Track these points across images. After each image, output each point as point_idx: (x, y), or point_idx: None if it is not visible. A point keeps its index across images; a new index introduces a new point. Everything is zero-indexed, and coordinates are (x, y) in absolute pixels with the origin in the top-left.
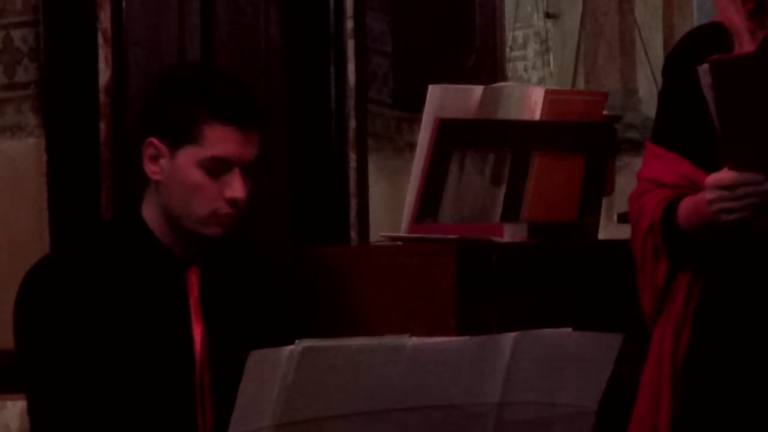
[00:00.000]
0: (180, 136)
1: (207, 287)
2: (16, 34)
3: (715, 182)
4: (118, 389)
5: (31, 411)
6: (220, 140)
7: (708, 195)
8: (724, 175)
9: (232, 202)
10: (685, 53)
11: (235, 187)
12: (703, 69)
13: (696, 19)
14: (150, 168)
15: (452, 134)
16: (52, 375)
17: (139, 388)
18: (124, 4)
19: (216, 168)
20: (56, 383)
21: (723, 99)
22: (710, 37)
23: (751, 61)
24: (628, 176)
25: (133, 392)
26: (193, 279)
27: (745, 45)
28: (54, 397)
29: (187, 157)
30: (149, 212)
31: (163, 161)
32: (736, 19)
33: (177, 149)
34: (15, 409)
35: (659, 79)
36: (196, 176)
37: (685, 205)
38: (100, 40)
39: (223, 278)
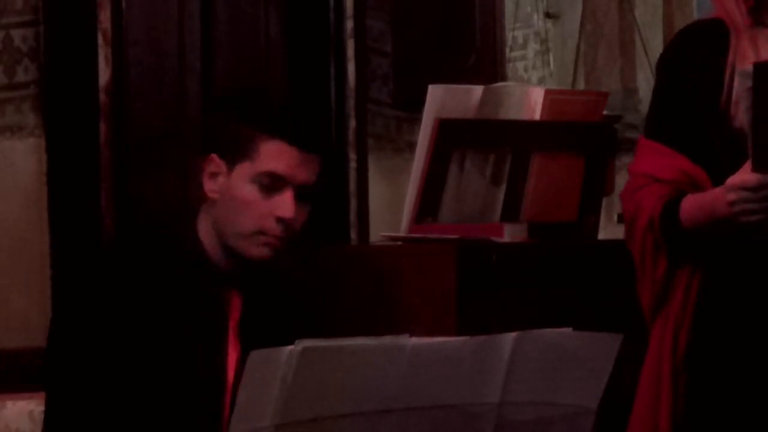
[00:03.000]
0: (237, 152)
1: (248, 312)
2: (16, 34)
3: (740, 183)
4: (144, 405)
5: (49, 416)
6: (273, 155)
7: (730, 196)
8: (749, 176)
9: (281, 221)
10: (682, 49)
11: (286, 207)
12: (745, 72)
13: (696, 18)
14: (208, 186)
15: (452, 134)
16: (77, 383)
17: (169, 408)
18: (123, 4)
19: (269, 184)
20: (80, 392)
21: (761, 102)
22: (707, 33)
23: None
24: (627, 176)
25: (164, 413)
26: (235, 302)
27: (742, 41)
28: (75, 406)
29: (242, 172)
30: (204, 229)
31: (221, 178)
32: (735, 14)
33: (234, 165)
34: (15, 409)
35: None
36: (249, 191)
37: (691, 203)
38: (100, 40)
39: (264, 304)
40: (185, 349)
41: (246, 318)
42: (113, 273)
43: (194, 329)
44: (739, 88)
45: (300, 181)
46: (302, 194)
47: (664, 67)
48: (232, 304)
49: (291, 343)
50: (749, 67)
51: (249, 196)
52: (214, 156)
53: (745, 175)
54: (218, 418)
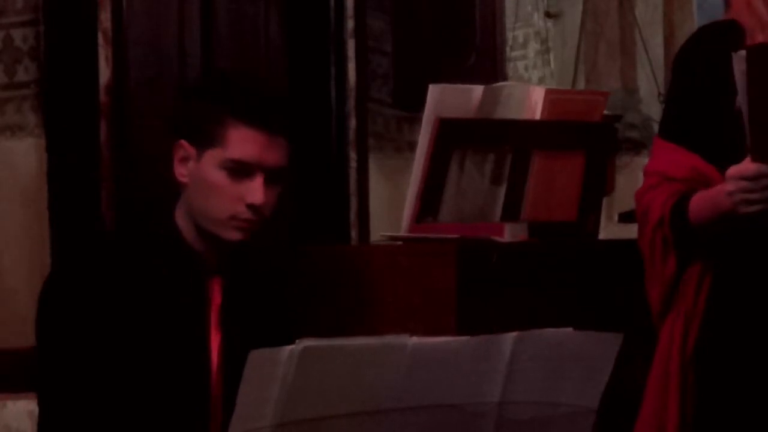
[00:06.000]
0: (205, 138)
1: (230, 297)
2: (17, 34)
3: (737, 173)
4: (132, 395)
5: (44, 414)
6: (242, 142)
7: (729, 186)
8: (747, 166)
9: (252, 207)
10: (699, 48)
11: (255, 193)
12: (739, 56)
13: (696, 18)
14: (179, 170)
15: (452, 134)
16: (67, 379)
17: (154, 394)
18: (124, 3)
19: (237, 170)
20: (71, 387)
21: (755, 88)
22: (722, 34)
23: None
24: (628, 175)
25: (148, 399)
26: (216, 287)
27: (758, 39)
28: (68, 401)
29: (211, 159)
30: (181, 215)
31: (190, 164)
32: (758, 9)
33: (203, 151)
34: (15, 408)
35: (660, 78)
36: (218, 178)
37: (697, 199)
38: (101, 40)
39: (246, 290)
40: (167, 336)
41: (227, 303)
42: (94, 266)
43: (175, 315)
44: (736, 72)
45: (269, 166)
46: (272, 177)
47: (679, 67)
48: (212, 289)
49: (271, 328)
50: (743, 51)
51: (219, 182)
52: (183, 142)
53: (744, 164)
54: (205, 403)
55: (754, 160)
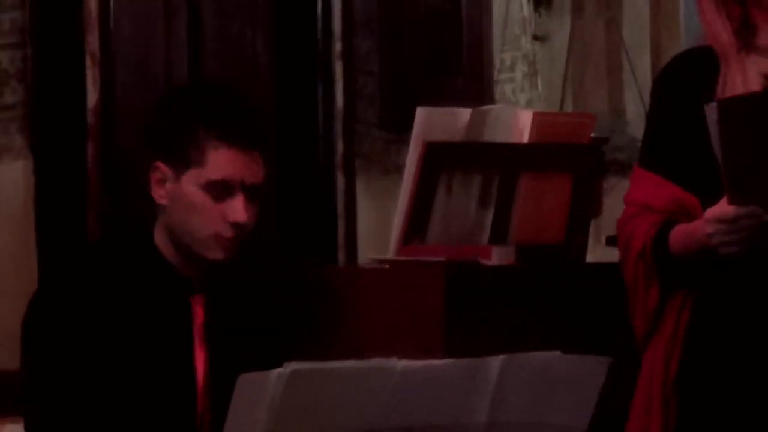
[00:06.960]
0: (184, 160)
1: (213, 314)
2: (4, 56)
3: (716, 216)
4: (118, 414)
5: (27, 425)
6: (222, 163)
7: (708, 228)
8: (725, 209)
9: (235, 225)
10: (674, 77)
11: (238, 211)
12: (711, 107)
13: (683, 40)
14: (157, 192)
15: (440, 157)
16: (52, 397)
17: (140, 413)
18: (112, 25)
19: (219, 191)
20: (56, 405)
21: (729, 137)
22: (698, 61)
23: (759, 100)
24: (615, 198)
25: (134, 418)
26: (198, 305)
27: (731, 68)
28: (54, 420)
29: (191, 180)
30: (159, 235)
31: (168, 185)
32: (722, 36)
33: (182, 172)
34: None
35: (647, 100)
36: (200, 199)
37: (678, 233)
38: (88, 62)
39: (230, 306)
40: (152, 355)
41: (211, 320)
42: (77, 287)
43: (159, 334)
44: (708, 122)
45: (249, 183)
46: (252, 194)
47: (656, 95)
48: (195, 307)
49: (256, 345)
50: (714, 103)
51: (200, 202)
52: (159, 163)
53: (722, 207)
54: (191, 421)
55: (732, 203)
